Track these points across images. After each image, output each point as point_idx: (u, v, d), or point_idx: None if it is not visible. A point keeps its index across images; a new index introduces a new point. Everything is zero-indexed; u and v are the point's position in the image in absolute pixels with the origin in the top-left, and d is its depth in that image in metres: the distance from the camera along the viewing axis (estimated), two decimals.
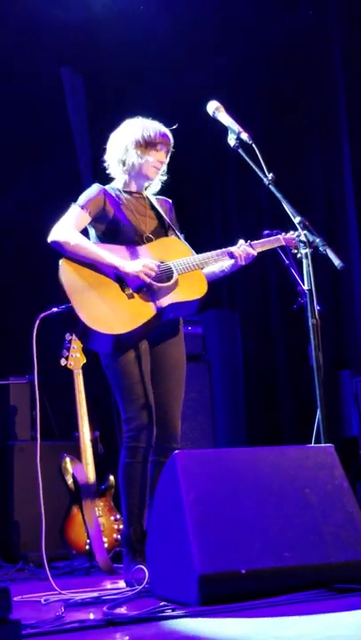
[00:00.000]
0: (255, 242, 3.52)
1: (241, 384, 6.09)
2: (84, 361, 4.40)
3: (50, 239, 3.35)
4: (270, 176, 3.20)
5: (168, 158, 3.56)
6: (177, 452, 2.64)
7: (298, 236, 3.16)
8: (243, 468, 2.63)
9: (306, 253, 3.09)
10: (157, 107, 6.00)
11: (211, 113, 3.44)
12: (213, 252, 3.45)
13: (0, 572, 4.41)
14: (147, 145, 3.47)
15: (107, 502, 4.30)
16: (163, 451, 3.34)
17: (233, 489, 2.57)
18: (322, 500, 2.61)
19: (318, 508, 2.58)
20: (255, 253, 3.51)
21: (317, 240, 3.10)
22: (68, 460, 4.28)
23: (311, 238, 3.11)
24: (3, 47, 5.80)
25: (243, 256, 3.47)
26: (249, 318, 6.37)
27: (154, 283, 3.30)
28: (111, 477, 4.30)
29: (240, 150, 3.29)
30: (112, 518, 4.26)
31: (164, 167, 3.56)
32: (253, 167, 3.21)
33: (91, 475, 4.24)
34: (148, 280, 3.29)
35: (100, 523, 4.15)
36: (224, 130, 3.37)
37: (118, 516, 4.24)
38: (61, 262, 3.33)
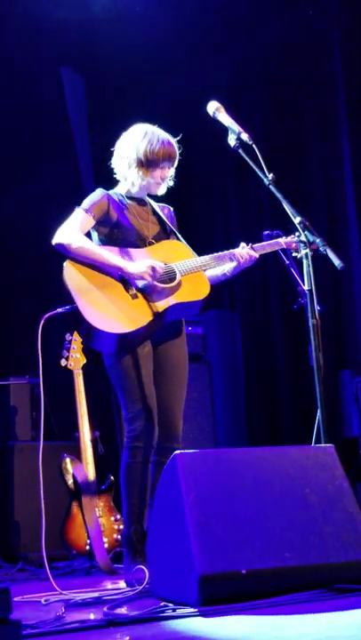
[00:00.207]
0: (257, 245, 3.53)
1: (241, 384, 6.09)
2: (84, 361, 4.40)
3: (54, 241, 3.35)
4: (270, 176, 3.20)
5: (174, 169, 3.52)
6: (177, 452, 2.64)
7: (298, 236, 3.16)
8: (243, 468, 2.63)
9: (306, 254, 3.09)
10: (157, 107, 6.03)
11: (211, 113, 3.43)
12: (215, 255, 3.46)
13: (0, 573, 4.41)
14: (149, 165, 3.43)
15: (107, 502, 4.30)
16: (164, 451, 3.33)
17: (233, 489, 2.57)
18: (322, 500, 2.61)
19: (318, 509, 2.59)
20: (257, 256, 3.51)
21: (318, 240, 3.10)
22: (68, 460, 4.29)
23: (311, 238, 3.10)
24: (3, 47, 5.81)
25: (244, 258, 3.47)
26: (249, 319, 6.36)
27: (157, 284, 3.31)
28: (111, 477, 4.30)
29: (240, 150, 3.28)
30: (112, 518, 4.26)
31: (172, 172, 3.54)
32: (253, 167, 3.20)
33: (91, 475, 4.25)
34: (151, 281, 3.29)
35: (100, 523, 4.15)
36: (224, 130, 3.36)
37: (118, 517, 4.24)
38: (66, 264, 3.33)
